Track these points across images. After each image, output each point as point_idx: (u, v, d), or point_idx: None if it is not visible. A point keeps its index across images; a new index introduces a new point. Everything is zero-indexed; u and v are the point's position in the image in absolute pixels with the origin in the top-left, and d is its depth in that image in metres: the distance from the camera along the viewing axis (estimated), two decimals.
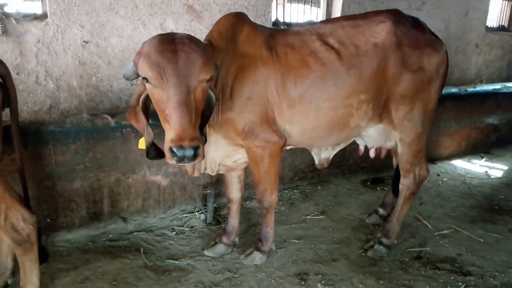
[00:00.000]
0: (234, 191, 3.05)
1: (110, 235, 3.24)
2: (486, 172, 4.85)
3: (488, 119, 5.42)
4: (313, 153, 3.11)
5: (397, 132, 2.92)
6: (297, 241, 3.25)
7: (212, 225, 3.46)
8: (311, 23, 3.39)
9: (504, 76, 6.98)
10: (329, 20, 2.97)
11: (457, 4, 5.92)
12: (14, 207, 2.16)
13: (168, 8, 3.82)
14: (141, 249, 3.07)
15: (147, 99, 2.22)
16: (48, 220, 3.02)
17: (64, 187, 3.05)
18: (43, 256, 2.57)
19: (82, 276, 2.74)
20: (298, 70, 2.59)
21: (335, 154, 3.16)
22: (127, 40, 3.71)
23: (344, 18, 2.92)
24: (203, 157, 2.07)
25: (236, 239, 3.14)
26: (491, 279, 2.86)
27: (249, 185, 3.74)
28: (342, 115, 2.73)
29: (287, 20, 4.94)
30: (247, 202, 3.86)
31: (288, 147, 2.93)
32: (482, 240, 3.34)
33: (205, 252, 3.04)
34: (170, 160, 2.03)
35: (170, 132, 2.01)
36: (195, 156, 2.00)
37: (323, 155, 3.12)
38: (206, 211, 3.52)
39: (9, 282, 2.54)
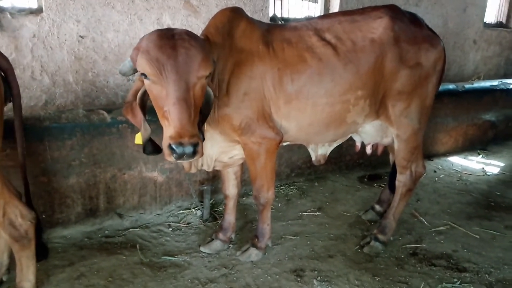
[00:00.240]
0: (231, 188, 3.05)
1: (106, 232, 3.23)
2: (483, 168, 4.86)
3: (485, 115, 5.42)
4: (310, 149, 3.11)
5: (394, 129, 2.91)
6: (293, 238, 3.25)
7: (209, 221, 3.45)
8: (308, 19, 3.37)
9: (501, 72, 6.98)
10: (326, 15, 2.95)
11: (455, 0, 5.91)
12: (13, 203, 2.16)
13: (164, 3, 3.79)
14: (137, 246, 3.06)
15: (144, 95, 2.20)
16: (44, 216, 3.01)
17: (59, 183, 3.04)
18: (44, 253, 2.57)
19: (78, 273, 2.73)
20: (295, 66, 2.58)
21: (332, 150, 3.15)
22: (123, 35, 3.69)
23: (341, 13, 2.90)
24: (202, 154, 2.06)
25: (233, 236, 3.13)
26: (486, 275, 2.87)
27: (245, 181, 3.73)
28: (339, 111, 2.72)
29: (285, 16, 4.91)
30: (244, 198, 3.86)
31: (285, 143, 2.92)
32: (478, 237, 3.34)
33: (202, 249, 3.04)
34: (169, 157, 2.01)
35: (169, 129, 1.99)
36: (194, 153, 1.99)
37: (320, 151, 3.11)
38: (202, 207, 3.52)
39: (4, 279, 2.54)
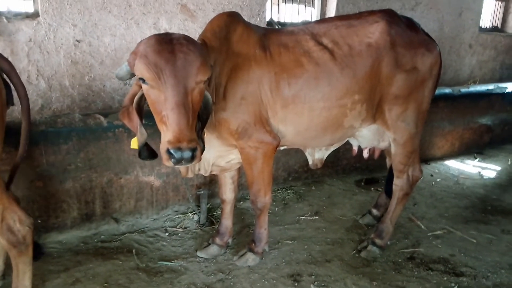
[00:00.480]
0: (228, 192, 3.04)
1: (102, 236, 3.21)
2: (479, 172, 4.87)
3: (481, 119, 5.45)
4: (307, 154, 3.11)
5: (391, 133, 2.91)
6: (290, 242, 3.24)
7: (205, 226, 3.44)
8: (305, 23, 3.38)
9: (497, 76, 7.02)
10: (323, 20, 2.96)
11: (451, 5, 5.94)
12: (11, 209, 2.14)
13: (161, 7, 3.79)
14: (133, 250, 3.04)
15: (141, 99, 2.19)
16: (39, 221, 2.99)
17: (55, 188, 3.02)
18: (38, 253, 2.55)
19: (73, 278, 2.71)
20: (291, 70, 2.58)
21: (329, 154, 3.15)
22: (120, 39, 3.68)
23: (338, 18, 2.91)
24: (200, 159, 2.05)
25: (230, 240, 3.12)
26: (483, 279, 2.87)
27: (242, 186, 3.72)
28: (336, 116, 2.73)
29: (282, 20, 4.93)
30: (241, 202, 3.85)
31: (282, 148, 2.92)
32: (475, 241, 3.34)
33: (198, 253, 3.02)
34: (167, 162, 2.00)
35: (167, 134, 1.98)
36: (192, 158, 1.98)
37: (317, 155, 3.11)
38: (199, 212, 3.50)
39: (0, 284, 2.52)
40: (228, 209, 3.06)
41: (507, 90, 5.52)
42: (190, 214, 3.57)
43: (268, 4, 4.54)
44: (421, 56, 2.78)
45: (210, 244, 3.06)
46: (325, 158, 3.14)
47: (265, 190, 2.76)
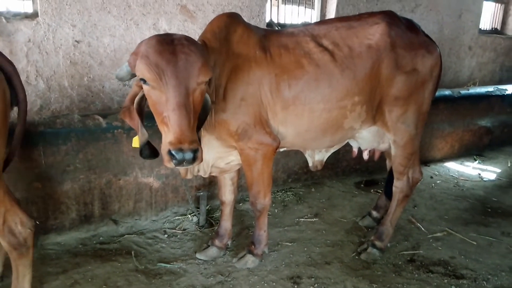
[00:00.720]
0: (227, 193, 3.02)
1: (101, 238, 3.19)
2: (479, 174, 4.87)
3: (481, 121, 5.44)
4: (306, 155, 3.10)
5: (391, 134, 2.91)
6: (290, 244, 3.23)
7: (205, 227, 3.42)
8: (305, 24, 3.37)
9: (496, 78, 7.02)
10: (323, 21, 2.95)
11: (451, 7, 5.94)
12: (13, 211, 2.14)
13: (161, 8, 3.78)
14: (132, 252, 3.02)
15: (142, 100, 2.18)
16: (38, 222, 2.96)
17: (54, 189, 3.01)
18: None
19: (72, 280, 2.69)
20: (292, 71, 2.57)
21: (329, 156, 3.14)
22: (119, 40, 3.67)
23: (338, 19, 2.90)
24: (202, 160, 2.04)
25: (229, 242, 3.11)
26: (484, 282, 2.86)
27: (242, 187, 3.71)
28: (336, 117, 2.72)
29: (281, 21, 4.92)
30: (240, 204, 3.84)
31: (281, 149, 2.91)
32: (475, 243, 3.33)
33: (197, 255, 3.01)
34: (168, 163, 1.98)
35: (169, 135, 1.97)
36: (194, 159, 1.96)
37: (317, 157, 3.10)
38: (198, 213, 3.49)
39: None
40: (227, 211, 3.05)
41: (507, 92, 5.52)
42: (189, 216, 3.56)
43: (268, 5, 4.53)
44: (421, 57, 2.78)
45: (209, 246, 3.05)
46: (325, 159, 3.14)
47: (265, 192, 2.75)
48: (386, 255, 3.11)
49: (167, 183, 3.45)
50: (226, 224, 3.07)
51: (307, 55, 2.61)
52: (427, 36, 2.91)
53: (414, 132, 2.90)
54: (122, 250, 3.06)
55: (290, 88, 2.57)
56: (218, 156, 2.76)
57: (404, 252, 3.18)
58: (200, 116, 2.21)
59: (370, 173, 4.54)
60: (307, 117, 2.65)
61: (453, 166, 5.11)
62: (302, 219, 3.63)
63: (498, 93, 5.47)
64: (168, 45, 1.99)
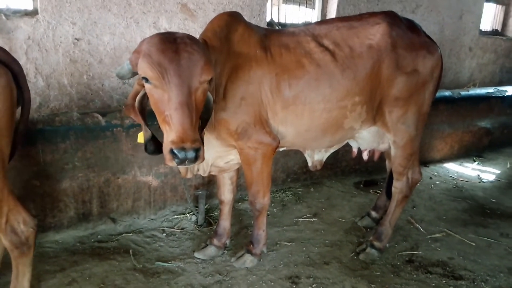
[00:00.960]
0: (226, 193, 3.02)
1: (99, 236, 3.18)
2: (478, 175, 4.87)
3: (480, 122, 5.44)
4: (306, 155, 3.09)
5: (391, 135, 2.90)
6: (289, 244, 3.22)
7: (203, 226, 3.42)
8: (306, 24, 3.36)
9: (497, 80, 7.02)
10: (324, 21, 2.94)
11: (451, 8, 5.94)
12: (16, 210, 2.15)
13: (161, 7, 3.77)
14: (130, 251, 3.02)
15: (144, 98, 2.17)
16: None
17: (52, 187, 3.00)
18: None
19: (69, 278, 2.69)
20: (292, 71, 2.56)
21: (328, 156, 3.14)
22: (119, 38, 3.66)
23: (339, 19, 2.90)
24: (203, 159, 2.03)
25: (227, 241, 3.10)
26: (482, 283, 2.86)
27: (241, 187, 3.71)
28: (336, 117, 2.71)
29: (282, 21, 4.91)
30: (239, 203, 3.83)
31: (281, 149, 2.90)
32: (474, 244, 3.33)
33: (196, 254, 3.00)
34: (170, 162, 1.97)
35: (171, 134, 1.96)
36: (196, 158, 1.96)
37: (316, 157, 3.09)
38: (197, 212, 3.48)
39: None
40: (226, 210, 3.05)
41: (507, 94, 5.52)
42: (188, 215, 3.55)
43: (268, 4, 4.53)
44: (422, 58, 2.77)
45: (208, 245, 3.04)
46: (324, 159, 3.13)
47: (264, 191, 2.74)
48: (385, 255, 3.11)
49: (166, 181, 3.44)
50: (225, 223, 3.06)
51: (307, 54, 2.60)
52: (428, 36, 2.90)
53: (414, 133, 2.90)
54: (120, 248, 3.05)
55: (290, 87, 2.57)
56: (218, 155, 2.75)
57: (403, 253, 3.17)
58: (203, 116, 2.21)
59: (370, 174, 4.54)
60: (307, 117, 2.65)
61: (452, 167, 5.11)
62: (301, 219, 3.62)
63: (498, 94, 5.47)
64: (170, 43, 1.98)
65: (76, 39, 3.50)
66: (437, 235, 3.45)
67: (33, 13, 3.35)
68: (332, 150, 3.11)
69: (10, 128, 2.06)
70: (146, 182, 3.34)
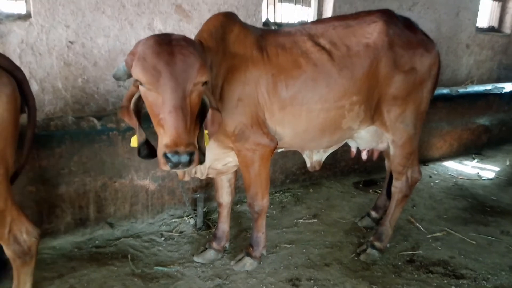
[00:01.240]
0: (224, 195, 2.99)
1: (97, 242, 3.15)
2: (478, 173, 4.85)
3: (479, 120, 5.42)
4: (304, 156, 3.07)
5: (389, 134, 2.88)
6: (288, 246, 3.19)
7: (202, 230, 3.39)
8: (302, 24, 3.34)
9: (494, 76, 7.02)
10: (320, 20, 2.92)
11: (448, 5, 5.93)
12: (20, 220, 2.15)
13: (156, 8, 3.74)
14: (129, 256, 2.98)
15: (139, 101, 2.14)
16: None
17: (48, 192, 2.96)
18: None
19: (67, 284, 2.65)
20: (289, 71, 2.54)
21: (327, 156, 3.11)
22: (113, 40, 3.63)
23: (335, 18, 2.87)
24: (198, 163, 2.00)
25: (227, 245, 3.07)
26: (484, 282, 2.84)
27: (239, 189, 3.68)
28: (334, 117, 2.69)
29: (278, 20, 4.89)
30: (238, 206, 3.80)
31: (279, 150, 2.88)
32: (474, 243, 3.31)
33: (195, 258, 2.97)
34: (164, 166, 1.95)
35: (164, 137, 1.93)
36: (190, 162, 1.93)
37: (315, 157, 3.07)
38: (195, 215, 3.45)
39: None
40: (225, 213, 3.02)
41: (505, 90, 5.50)
42: (186, 218, 3.52)
43: (264, 4, 4.50)
44: (419, 56, 2.75)
45: (207, 248, 3.01)
46: (323, 160, 3.11)
47: (263, 193, 2.72)
48: (386, 255, 3.09)
49: (163, 185, 3.41)
50: (224, 226, 3.03)
51: (304, 54, 2.57)
52: (425, 34, 2.88)
53: (413, 132, 2.87)
54: (118, 253, 3.02)
55: (287, 88, 2.54)
56: (215, 158, 2.72)
57: (404, 253, 3.15)
58: (202, 119, 2.18)
59: (369, 173, 4.52)
60: (304, 117, 2.62)
61: (451, 165, 5.09)
62: (301, 220, 3.60)
63: (496, 91, 5.45)
64: (166, 45, 1.95)
65: (70, 42, 3.47)
66: (437, 234, 3.43)
67: (26, 16, 3.32)
68: (330, 151, 3.08)
69: (15, 137, 2.06)
70: (143, 186, 3.31)
